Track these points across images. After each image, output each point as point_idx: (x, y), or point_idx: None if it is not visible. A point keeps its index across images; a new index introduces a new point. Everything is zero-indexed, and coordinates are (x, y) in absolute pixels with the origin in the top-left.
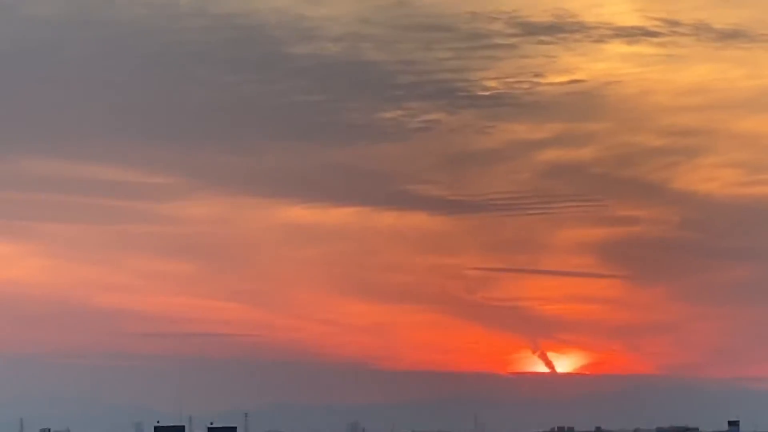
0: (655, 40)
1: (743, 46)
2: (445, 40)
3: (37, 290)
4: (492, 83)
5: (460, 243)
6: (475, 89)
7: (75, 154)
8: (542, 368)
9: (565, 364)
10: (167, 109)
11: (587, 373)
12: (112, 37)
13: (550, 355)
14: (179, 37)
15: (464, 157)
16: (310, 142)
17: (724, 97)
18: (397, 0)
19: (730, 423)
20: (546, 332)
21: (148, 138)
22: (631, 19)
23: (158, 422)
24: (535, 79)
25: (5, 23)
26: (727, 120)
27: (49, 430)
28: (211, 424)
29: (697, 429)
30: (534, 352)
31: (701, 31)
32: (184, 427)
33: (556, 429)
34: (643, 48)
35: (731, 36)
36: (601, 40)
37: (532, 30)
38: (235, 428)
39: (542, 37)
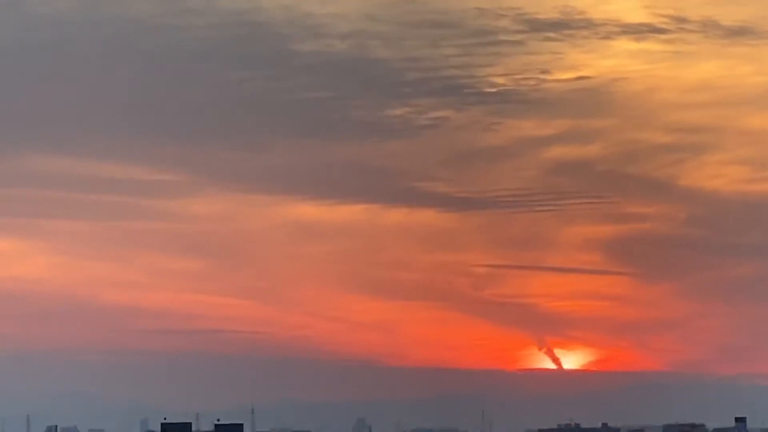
0: (663, 36)
1: (751, 43)
2: (451, 37)
3: (43, 287)
4: (499, 80)
5: (468, 240)
6: (482, 86)
7: (81, 151)
8: (549, 365)
9: (571, 360)
10: (174, 106)
11: (594, 369)
12: (119, 34)
13: (557, 352)
14: (186, 35)
15: (471, 154)
16: (317, 139)
17: (731, 94)
18: None
19: (737, 419)
20: (553, 329)
21: (155, 135)
22: (639, 16)
23: (165, 419)
24: (542, 76)
25: (11, 21)
26: (734, 117)
27: (56, 426)
28: (218, 421)
29: (703, 425)
30: (541, 349)
31: (709, 27)
32: (191, 423)
33: (562, 425)
34: (650, 45)
35: (739, 33)
36: (608, 36)
37: (539, 27)
38: (242, 425)
39: (549, 34)
